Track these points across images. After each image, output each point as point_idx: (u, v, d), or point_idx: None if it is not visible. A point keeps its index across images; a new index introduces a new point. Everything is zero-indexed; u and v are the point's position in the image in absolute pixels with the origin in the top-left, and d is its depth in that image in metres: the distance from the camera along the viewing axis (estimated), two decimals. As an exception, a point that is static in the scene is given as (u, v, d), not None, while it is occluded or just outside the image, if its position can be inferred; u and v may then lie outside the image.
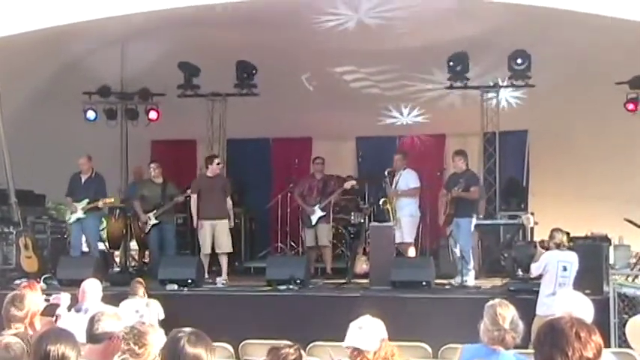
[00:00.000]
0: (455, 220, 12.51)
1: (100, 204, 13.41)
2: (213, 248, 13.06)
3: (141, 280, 9.93)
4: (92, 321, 4.98)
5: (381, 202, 13.40)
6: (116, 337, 4.94)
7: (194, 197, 13.22)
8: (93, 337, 4.92)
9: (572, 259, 9.86)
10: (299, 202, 14.28)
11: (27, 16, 11.11)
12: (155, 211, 13.62)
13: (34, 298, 6.72)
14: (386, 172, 13.51)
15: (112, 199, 13.69)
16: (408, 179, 13.25)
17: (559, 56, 13.80)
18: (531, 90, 14.25)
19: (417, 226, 13.45)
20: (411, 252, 13.15)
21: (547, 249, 10.15)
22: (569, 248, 10.42)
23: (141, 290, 9.45)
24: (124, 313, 6.90)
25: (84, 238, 13.65)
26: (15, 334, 5.17)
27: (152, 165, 14.04)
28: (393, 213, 13.08)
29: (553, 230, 10.19)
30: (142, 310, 8.52)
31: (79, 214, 13.24)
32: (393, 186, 13.27)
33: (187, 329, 3.64)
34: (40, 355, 4.02)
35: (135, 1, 11.29)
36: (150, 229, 13.74)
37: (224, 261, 13.14)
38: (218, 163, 13.43)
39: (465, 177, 12.60)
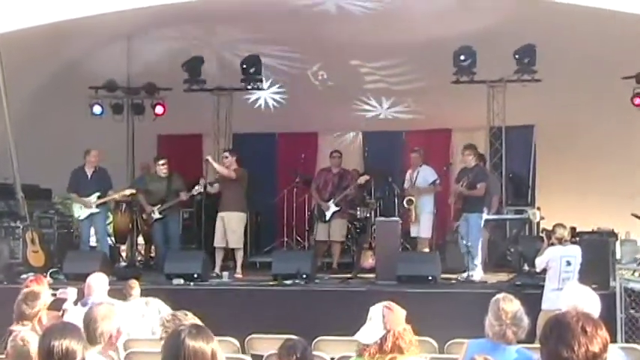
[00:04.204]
0: (464, 215, 12.52)
1: (119, 196, 13.48)
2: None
3: (133, 281, 9.72)
4: (88, 323, 4.93)
5: (405, 202, 13.39)
6: (115, 338, 4.94)
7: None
8: (92, 339, 4.86)
9: (575, 253, 9.85)
10: (314, 197, 14.24)
11: (33, 11, 11.11)
12: (159, 206, 13.60)
13: (44, 295, 6.75)
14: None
15: (134, 191, 13.71)
16: (426, 175, 13.31)
17: (566, 51, 13.76)
18: (538, 85, 14.20)
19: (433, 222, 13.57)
20: (426, 248, 13.21)
21: (550, 244, 10.11)
22: (574, 242, 10.41)
23: (135, 291, 9.31)
24: (128, 317, 6.89)
25: (92, 231, 13.64)
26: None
27: (162, 161, 13.92)
28: (415, 211, 13.19)
29: (555, 225, 10.18)
30: (141, 309, 8.50)
31: (93, 208, 13.21)
32: (413, 183, 13.35)
33: (188, 323, 3.61)
34: (45, 350, 4.02)
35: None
36: (153, 223, 13.72)
37: (237, 255, 13.17)
38: (226, 157, 13.33)
39: (473, 173, 12.59)
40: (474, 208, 12.44)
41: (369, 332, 4.81)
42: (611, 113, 14.67)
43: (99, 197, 13.21)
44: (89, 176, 13.38)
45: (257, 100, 16.72)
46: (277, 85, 16.33)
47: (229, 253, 13.37)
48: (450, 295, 11.37)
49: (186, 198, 13.62)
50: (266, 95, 16.74)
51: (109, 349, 4.95)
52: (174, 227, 13.92)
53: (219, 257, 13.12)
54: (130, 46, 15.18)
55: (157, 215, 13.59)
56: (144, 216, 14.03)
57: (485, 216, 12.62)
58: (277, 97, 16.82)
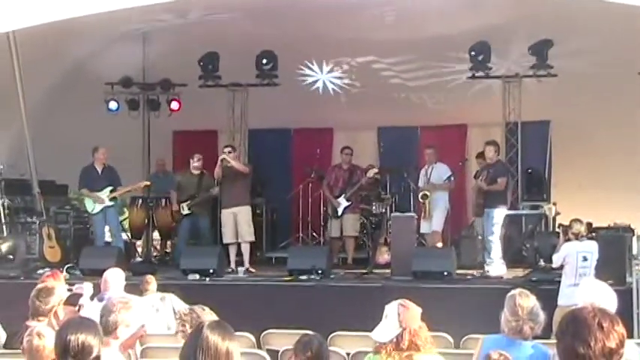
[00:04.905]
0: (485, 211, 12.49)
1: (136, 187, 13.52)
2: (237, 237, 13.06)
3: (150, 276, 9.77)
4: (107, 326, 4.95)
5: (420, 196, 13.32)
6: (134, 336, 4.96)
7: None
8: (107, 330, 4.88)
9: (591, 249, 9.82)
10: (326, 194, 14.23)
11: (48, 8, 11.14)
12: (188, 202, 13.62)
13: (58, 290, 6.78)
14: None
15: (149, 183, 13.76)
16: (440, 172, 13.29)
17: (582, 46, 13.71)
18: (554, 80, 14.15)
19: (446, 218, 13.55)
20: (439, 242, 13.19)
21: (567, 239, 10.08)
22: (590, 238, 10.38)
23: (151, 286, 9.36)
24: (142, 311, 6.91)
25: (107, 228, 13.67)
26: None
27: (197, 156, 13.82)
28: (429, 207, 13.14)
29: (572, 221, 10.15)
30: (156, 304, 8.53)
31: (106, 202, 13.21)
32: (427, 179, 13.31)
33: (207, 317, 3.64)
34: (62, 345, 4.04)
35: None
36: (182, 219, 13.74)
37: (246, 250, 13.14)
38: (229, 152, 13.15)
39: (494, 168, 12.58)
40: (494, 203, 12.41)
41: (385, 330, 4.84)
42: (627, 108, 14.58)
43: (111, 192, 13.24)
44: (100, 172, 13.38)
45: (316, 86, 16.50)
46: (334, 67, 16.23)
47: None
48: (465, 291, 11.34)
49: (215, 193, 13.60)
50: (325, 79, 16.60)
51: (129, 347, 4.97)
52: (204, 225, 13.89)
53: (232, 253, 13.12)
54: (145, 42, 15.21)
55: (185, 211, 13.61)
56: (173, 211, 14.02)
57: (505, 210, 12.60)
58: (337, 82, 16.59)
